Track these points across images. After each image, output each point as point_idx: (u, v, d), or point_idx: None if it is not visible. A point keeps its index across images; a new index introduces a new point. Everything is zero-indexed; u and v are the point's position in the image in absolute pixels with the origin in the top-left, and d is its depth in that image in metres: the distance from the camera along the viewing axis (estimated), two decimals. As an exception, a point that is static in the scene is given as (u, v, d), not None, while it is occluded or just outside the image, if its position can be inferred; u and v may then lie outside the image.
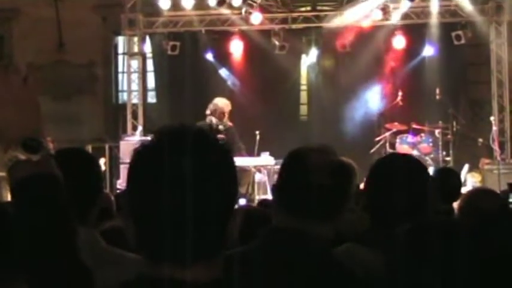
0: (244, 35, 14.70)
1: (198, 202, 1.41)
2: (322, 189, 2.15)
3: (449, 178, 5.05)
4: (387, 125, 13.92)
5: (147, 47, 15.76)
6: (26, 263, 1.47)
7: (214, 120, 10.82)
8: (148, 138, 1.52)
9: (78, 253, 1.51)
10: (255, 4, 14.28)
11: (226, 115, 10.96)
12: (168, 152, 1.44)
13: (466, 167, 13.01)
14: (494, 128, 13.57)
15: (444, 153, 13.49)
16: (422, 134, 13.53)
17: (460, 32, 14.08)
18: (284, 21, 14.72)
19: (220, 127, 10.76)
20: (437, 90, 13.50)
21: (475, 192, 3.52)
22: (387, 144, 13.59)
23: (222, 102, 11.19)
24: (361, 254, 2.56)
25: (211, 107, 11.43)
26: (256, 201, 11.72)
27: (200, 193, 1.42)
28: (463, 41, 14.16)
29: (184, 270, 1.44)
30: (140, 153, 1.49)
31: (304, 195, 2.05)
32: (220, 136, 10.47)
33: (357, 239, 2.63)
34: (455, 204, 3.87)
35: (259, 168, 13.10)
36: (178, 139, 1.46)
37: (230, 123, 11.11)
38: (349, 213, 3.35)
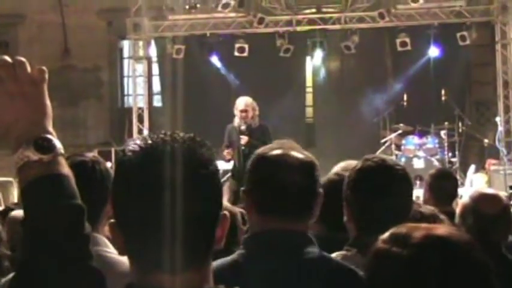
0: (249, 38, 14.67)
1: (183, 210, 1.40)
2: None
3: (444, 180, 5.04)
4: (393, 126, 13.91)
5: (153, 51, 15.78)
6: (36, 265, 1.44)
7: (236, 120, 10.34)
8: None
9: (90, 258, 1.48)
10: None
11: (245, 114, 10.15)
12: (150, 162, 1.43)
13: (472, 167, 12.98)
14: (500, 128, 13.55)
15: (450, 154, 13.47)
16: (428, 135, 13.50)
17: (465, 33, 14.03)
18: (289, 23, 14.68)
19: (242, 127, 10.07)
20: (443, 91, 13.48)
21: (477, 196, 3.49)
22: (393, 146, 13.58)
23: (237, 102, 10.53)
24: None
25: None
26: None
27: (185, 202, 1.41)
28: (468, 42, 14.11)
29: (174, 278, 1.42)
30: (123, 164, 1.47)
31: None
32: (242, 137, 10.04)
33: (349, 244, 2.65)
34: (457, 207, 3.85)
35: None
36: (159, 150, 1.45)
37: (256, 123, 10.30)
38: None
